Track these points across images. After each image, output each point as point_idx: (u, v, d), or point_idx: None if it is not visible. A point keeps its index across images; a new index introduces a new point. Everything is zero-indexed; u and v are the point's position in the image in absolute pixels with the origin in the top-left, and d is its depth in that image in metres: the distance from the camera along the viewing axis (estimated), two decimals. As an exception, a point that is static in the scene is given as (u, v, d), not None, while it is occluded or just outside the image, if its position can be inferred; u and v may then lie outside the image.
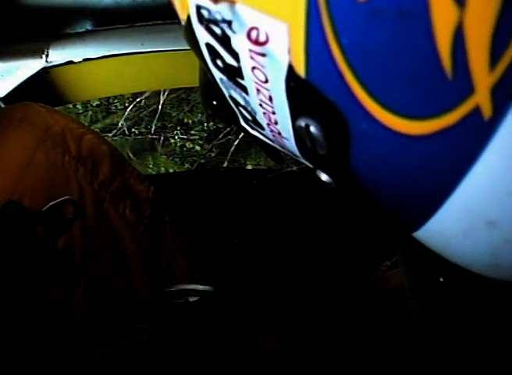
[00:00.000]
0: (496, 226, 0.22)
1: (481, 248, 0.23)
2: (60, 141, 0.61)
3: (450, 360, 0.38)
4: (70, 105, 1.74)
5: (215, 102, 0.33)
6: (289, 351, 0.58)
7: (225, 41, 0.24)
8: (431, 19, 0.18)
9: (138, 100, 1.76)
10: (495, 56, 0.17)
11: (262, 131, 0.30)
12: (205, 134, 1.76)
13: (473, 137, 0.20)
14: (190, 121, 1.81)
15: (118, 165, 0.67)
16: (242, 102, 0.28)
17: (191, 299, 0.60)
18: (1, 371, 0.46)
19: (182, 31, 0.28)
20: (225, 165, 1.65)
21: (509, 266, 0.23)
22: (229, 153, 1.65)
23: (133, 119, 1.80)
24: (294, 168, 1.07)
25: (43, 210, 0.53)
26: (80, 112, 1.84)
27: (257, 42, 0.22)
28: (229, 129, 1.67)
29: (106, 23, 0.82)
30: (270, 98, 0.25)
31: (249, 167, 1.64)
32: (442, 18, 0.18)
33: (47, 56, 0.79)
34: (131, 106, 1.77)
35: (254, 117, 0.29)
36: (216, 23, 0.23)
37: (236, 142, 1.64)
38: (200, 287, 0.60)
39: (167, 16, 0.79)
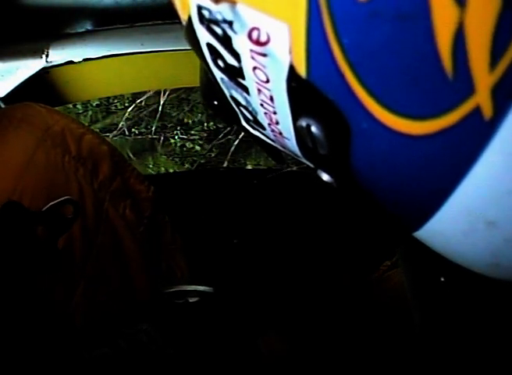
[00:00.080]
0: (496, 226, 0.22)
1: (481, 247, 0.23)
2: (60, 141, 0.61)
3: (450, 360, 0.38)
4: (70, 105, 1.74)
5: (215, 102, 0.33)
6: (289, 351, 0.58)
7: (226, 41, 0.24)
8: (431, 20, 0.18)
9: (139, 101, 1.76)
10: (495, 56, 0.17)
11: (263, 131, 0.30)
12: (205, 134, 1.76)
13: (473, 137, 0.20)
14: (190, 121, 1.81)
15: (118, 165, 0.67)
16: (243, 102, 0.28)
17: (191, 300, 0.60)
18: (1, 371, 0.46)
19: (182, 31, 0.28)
20: (225, 165, 1.65)
21: (509, 265, 0.24)
22: (229, 153, 1.65)
23: (133, 119, 1.79)
24: (294, 168, 1.07)
25: (43, 210, 0.53)
26: (80, 112, 1.84)
27: (258, 42, 0.22)
28: (229, 129, 1.67)
29: (106, 23, 0.82)
30: (271, 98, 0.25)
31: (249, 167, 1.64)
32: (443, 18, 0.18)
33: (47, 56, 0.79)
34: (132, 106, 1.77)
35: (255, 117, 0.29)
36: (217, 23, 0.23)
37: (236, 142, 1.64)
38: (200, 288, 0.60)
39: (167, 16, 0.79)
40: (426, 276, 0.39)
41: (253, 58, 0.23)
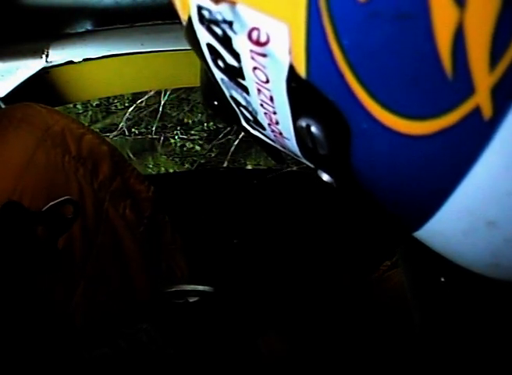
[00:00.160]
0: (496, 226, 0.22)
1: (481, 247, 0.23)
2: (60, 141, 0.61)
3: (450, 360, 0.38)
4: (70, 105, 1.74)
5: (216, 102, 0.33)
6: (289, 351, 0.58)
7: (226, 41, 0.24)
8: (431, 20, 0.18)
9: (139, 101, 1.76)
10: (495, 56, 0.17)
11: (263, 131, 0.30)
12: (205, 134, 1.76)
13: (473, 137, 0.20)
14: (190, 121, 1.81)
15: (118, 165, 0.67)
16: (243, 102, 0.28)
17: (191, 300, 0.60)
18: (1, 371, 0.46)
19: (182, 31, 0.28)
20: (225, 165, 1.65)
21: (509, 265, 0.24)
22: (229, 153, 1.65)
23: (133, 120, 1.79)
24: (294, 168, 1.07)
25: (43, 210, 0.53)
26: (80, 112, 1.84)
27: (258, 43, 0.22)
28: (229, 129, 1.67)
29: (106, 23, 0.82)
30: (271, 99, 0.25)
31: (249, 167, 1.64)
32: (443, 18, 0.18)
33: (47, 56, 0.79)
34: (132, 107, 1.77)
35: (255, 117, 0.29)
36: (217, 23, 0.23)
37: (236, 142, 1.64)
38: (200, 288, 0.60)
39: (167, 16, 0.79)
40: (426, 276, 0.39)
41: (253, 58, 0.23)
